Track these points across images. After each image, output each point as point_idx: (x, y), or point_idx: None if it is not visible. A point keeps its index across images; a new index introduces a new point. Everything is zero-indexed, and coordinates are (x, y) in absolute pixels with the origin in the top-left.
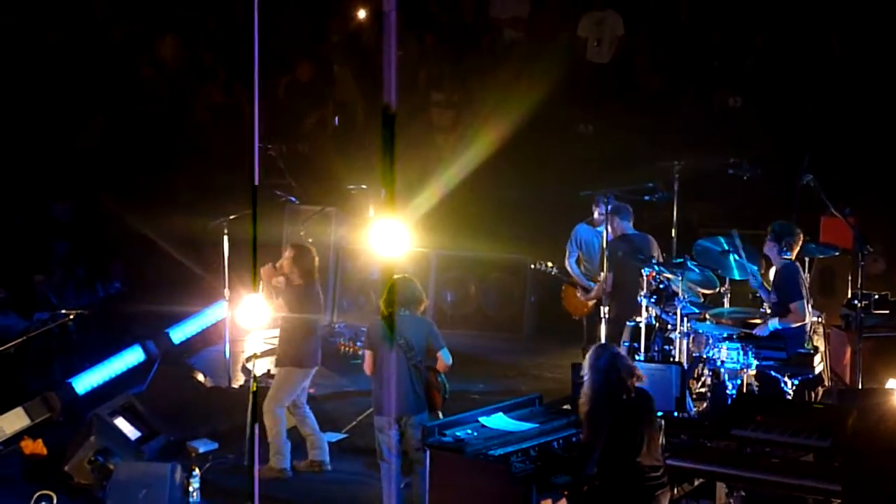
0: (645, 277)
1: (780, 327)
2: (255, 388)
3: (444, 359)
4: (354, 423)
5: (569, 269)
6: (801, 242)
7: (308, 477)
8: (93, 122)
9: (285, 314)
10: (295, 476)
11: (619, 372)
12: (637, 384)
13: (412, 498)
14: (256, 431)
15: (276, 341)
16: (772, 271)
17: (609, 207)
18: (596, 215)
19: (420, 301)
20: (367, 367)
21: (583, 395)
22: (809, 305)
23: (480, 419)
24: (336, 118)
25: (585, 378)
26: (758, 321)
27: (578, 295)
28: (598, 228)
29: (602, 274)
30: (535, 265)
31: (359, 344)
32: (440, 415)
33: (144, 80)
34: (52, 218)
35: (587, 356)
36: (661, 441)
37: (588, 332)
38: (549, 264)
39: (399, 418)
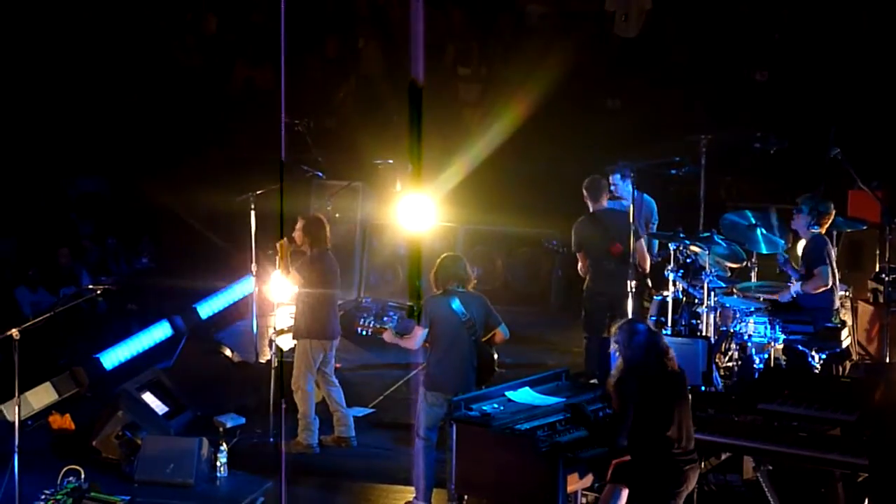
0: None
1: (801, 292)
2: (276, 364)
3: (504, 333)
4: (381, 397)
5: None
6: (832, 217)
7: (334, 451)
8: (130, 99)
9: (300, 285)
10: (321, 451)
11: (656, 351)
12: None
13: (444, 473)
14: (283, 406)
15: None
16: (799, 246)
17: (622, 179)
18: (612, 187)
19: (468, 278)
20: (413, 343)
21: (615, 368)
22: (836, 277)
23: (507, 393)
24: (362, 93)
25: (618, 353)
26: None
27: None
28: (622, 201)
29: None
30: (545, 243)
31: (384, 319)
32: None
33: (177, 57)
34: (81, 193)
35: (619, 331)
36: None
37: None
38: (554, 242)
39: (455, 394)
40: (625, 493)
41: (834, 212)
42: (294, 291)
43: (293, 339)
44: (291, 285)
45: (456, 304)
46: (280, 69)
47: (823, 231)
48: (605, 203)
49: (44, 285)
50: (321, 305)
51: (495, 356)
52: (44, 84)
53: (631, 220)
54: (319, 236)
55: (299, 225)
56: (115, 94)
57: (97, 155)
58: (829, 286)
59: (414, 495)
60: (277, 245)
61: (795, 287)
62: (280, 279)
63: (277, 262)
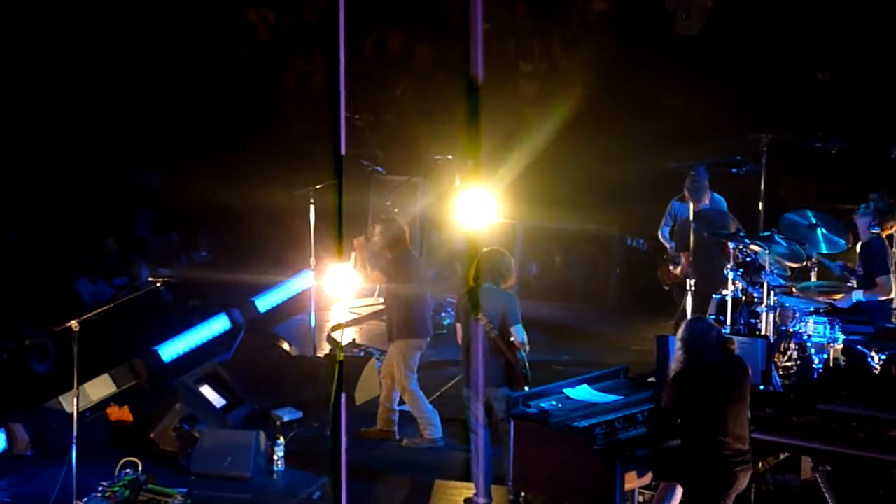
0: (731, 250)
1: (863, 300)
2: (341, 358)
3: (517, 335)
4: (439, 393)
5: (660, 236)
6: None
7: (391, 446)
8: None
9: (388, 288)
10: (375, 445)
11: (712, 341)
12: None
13: (501, 469)
14: (343, 400)
15: (361, 311)
16: (858, 247)
17: (696, 183)
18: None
19: (506, 275)
20: (458, 338)
21: (675, 362)
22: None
23: (565, 390)
24: (421, 88)
25: (680, 350)
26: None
27: (671, 268)
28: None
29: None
30: (631, 243)
31: (442, 315)
32: (527, 390)
33: (232, 50)
34: (141, 187)
35: (684, 328)
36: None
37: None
38: (642, 241)
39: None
40: (679, 491)
41: None
42: (361, 287)
43: (389, 342)
44: (370, 284)
45: (475, 300)
46: (335, 64)
47: (884, 234)
48: (706, 201)
49: (102, 276)
50: (413, 305)
51: (522, 359)
52: (103, 79)
53: (691, 217)
54: (397, 237)
55: (378, 228)
56: (173, 90)
57: (153, 149)
58: (891, 296)
59: (474, 491)
60: (354, 241)
61: (857, 294)
62: (341, 273)
63: (353, 260)
